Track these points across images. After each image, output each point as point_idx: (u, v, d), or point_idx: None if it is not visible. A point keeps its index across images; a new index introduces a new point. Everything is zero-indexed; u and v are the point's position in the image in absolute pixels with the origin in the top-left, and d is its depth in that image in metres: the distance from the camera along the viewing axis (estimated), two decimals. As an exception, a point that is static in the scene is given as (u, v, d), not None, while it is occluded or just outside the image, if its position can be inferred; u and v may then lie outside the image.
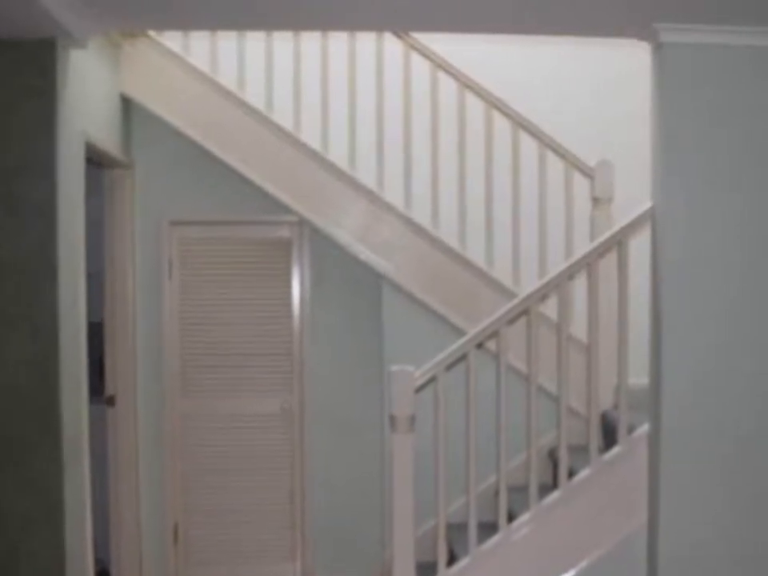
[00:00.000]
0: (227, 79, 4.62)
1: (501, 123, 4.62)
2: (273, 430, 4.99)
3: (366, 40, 4.62)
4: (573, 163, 4.60)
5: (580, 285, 4.27)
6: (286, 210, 4.69)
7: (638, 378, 3.75)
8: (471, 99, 4.63)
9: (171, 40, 4.59)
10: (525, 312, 3.78)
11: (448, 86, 4.62)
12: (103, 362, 4.73)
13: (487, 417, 3.71)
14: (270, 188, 4.64)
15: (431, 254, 4.64)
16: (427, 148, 4.62)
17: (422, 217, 4.66)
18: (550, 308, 4.38)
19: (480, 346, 3.82)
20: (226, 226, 4.93)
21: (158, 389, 4.90)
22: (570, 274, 3.81)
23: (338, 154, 4.64)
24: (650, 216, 3.66)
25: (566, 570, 3.69)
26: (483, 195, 4.61)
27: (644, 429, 3.69)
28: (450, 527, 3.87)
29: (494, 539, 3.73)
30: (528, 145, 4.64)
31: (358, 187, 4.64)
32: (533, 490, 3.72)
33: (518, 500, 3.88)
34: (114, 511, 4.77)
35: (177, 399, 4.93)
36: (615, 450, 3.74)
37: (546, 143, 4.62)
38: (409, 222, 4.65)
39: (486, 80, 4.61)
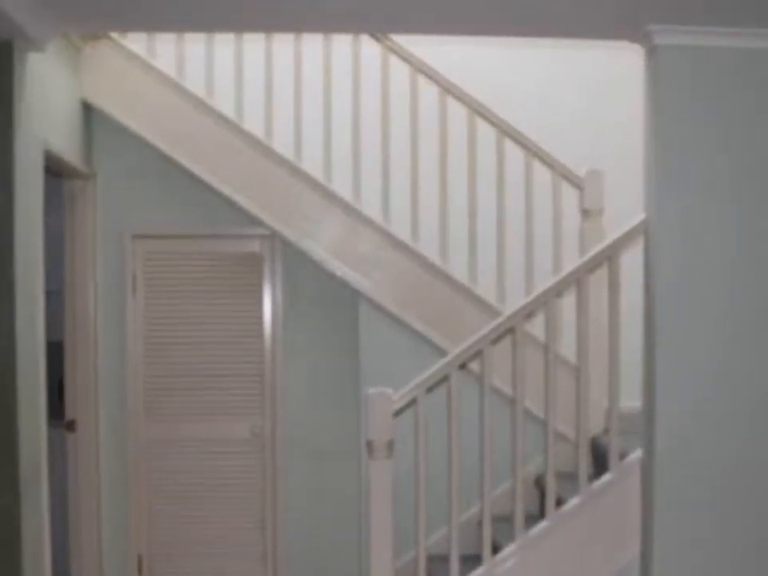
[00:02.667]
0: (195, 84, 4.56)
1: (485, 130, 4.58)
2: (243, 455, 4.91)
3: (342, 42, 4.56)
4: (561, 173, 4.57)
5: (569, 302, 4.20)
6: (257, 222, 4.64)
7: (631, 400, 3.70)
8: (453, 105, 4.58)
9: (135, 42, 4.54)
10: (510, 331, 3.75)
11: (429, 91, 4.58)
12: (63, 384, 4.67)
13: (470, 442, 3.67)
14: (239, 199, 4.58)
15: (411, 270, 4.58)
16: (407, 157, 4.56)
17: (401, 230, 4.59)
18: (537, 327, 4.32)
19: (463, 366, 3.77)
20: (194, 239, 4.87)
21: (122, 412, 4.83)
22: (558, 290, 3.78)
23: (312, 164, 4.58)
24: (643, 228, 3.64)
25: (553, 605, 3.67)
26: (466, 207, 4.56)
27: (637, 455, 3.66)
28: (430, 559, 3.82)
29: (477, 572, 3.65)
30: (514, 153, 4.60)
31: (334, 198, 4.58)
32: (518, 519, 3.66)
33: (502, 530, 3.83)
34: (74, 542, 4.69)
35: (141, 423, 4.87)
36: (606, 477, 3.69)
37: (533, 152, 4.59)
38: (387, 236, 4.59)
39: (469, 84, 4.57)
